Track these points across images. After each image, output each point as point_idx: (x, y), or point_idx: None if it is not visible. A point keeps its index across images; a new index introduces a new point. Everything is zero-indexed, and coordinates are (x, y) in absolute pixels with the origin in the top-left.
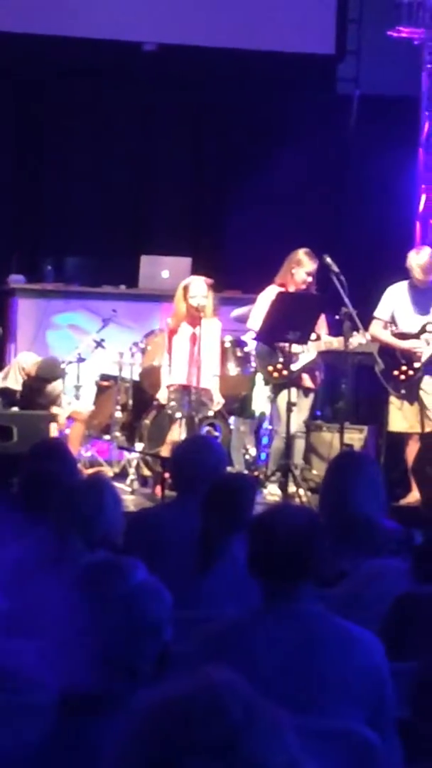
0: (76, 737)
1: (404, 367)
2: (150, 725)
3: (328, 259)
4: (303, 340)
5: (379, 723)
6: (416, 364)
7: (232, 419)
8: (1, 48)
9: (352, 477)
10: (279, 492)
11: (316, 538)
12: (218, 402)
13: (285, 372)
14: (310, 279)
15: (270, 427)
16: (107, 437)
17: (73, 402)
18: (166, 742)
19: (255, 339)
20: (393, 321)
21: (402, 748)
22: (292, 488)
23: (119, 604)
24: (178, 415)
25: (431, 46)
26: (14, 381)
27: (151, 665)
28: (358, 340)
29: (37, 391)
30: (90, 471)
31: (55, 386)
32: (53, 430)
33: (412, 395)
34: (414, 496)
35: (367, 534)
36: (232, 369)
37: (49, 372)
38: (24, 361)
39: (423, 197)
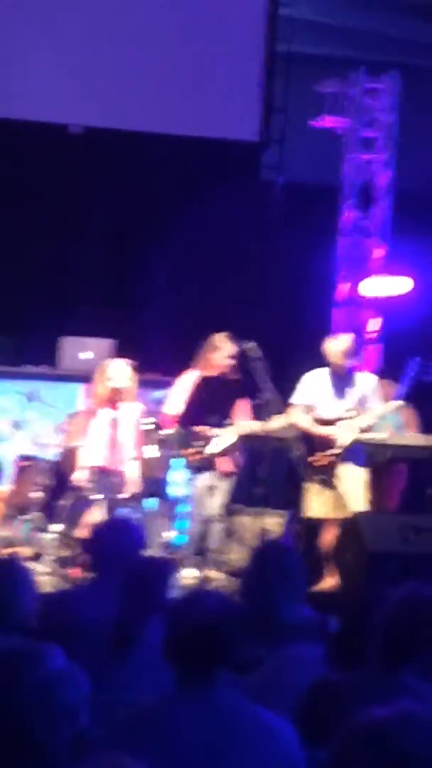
0: None
1: (322, 454)
2: None
3: (250, 344)
4: (221, 423)
5: None
6: (335, 451)
7: (149, 501)
8: None
9: (271, 568)
10: (196, 574)
11: (229, 625)
12: (136, 486)
13: (202, 455)
14: (230, 362)
15: (188, 509)
16: (26, 517)
17: None
18: None
19: (176, 422)
20: (311, 407)
21: None
22: (209, 572)
23: (34, 691)
24: (95, 497)
25: (353, 137)
26: None
27: (67, 749)
28: (277, 424)
29: None
30: (7, 551)
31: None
32: None
33: (329, 481)
34: (329, 581)
35: (284, 622)
36: (151, 451)
37: None
38: None
39: (345, 284)
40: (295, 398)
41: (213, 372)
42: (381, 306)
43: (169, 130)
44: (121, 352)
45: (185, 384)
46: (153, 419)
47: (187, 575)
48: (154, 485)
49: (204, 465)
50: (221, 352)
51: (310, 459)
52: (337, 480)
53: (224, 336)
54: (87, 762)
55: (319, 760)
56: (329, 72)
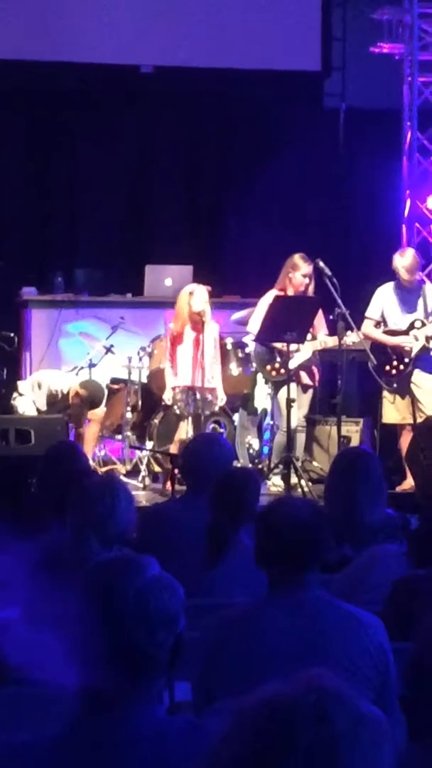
0: (98, 730)
1: (395, 363)
2: (254, 723)
3: (321, 263)
4: (299, 339)
5: (383, 701)
6: (406, 359)
7: (235, 416)
8: (9, 73)
9: (354, 473)
10: (282, 483)
11: (318, 528)
12: (221, 399)
13: (282, 370)
14: (306, 281)
15: (272, 422)
16: (119, 437)
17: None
18: (268, 741)
19: (254, 340)
20: (383, 320)
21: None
22: (294, 479)
23: (133, 599)
24: (185, 414)
25: (411, 61)
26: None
27: (168, 654)
28: (351, 338)
29: (79, 412)
30: (104, 469)
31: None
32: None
33: (403, 388)
34: (408, 483)
35: (368, 523)
36: (234, 369)
37: (98, 398)
38: (68, 384)
39: (408, 203)
40: (368, 312)
41: (291, 291)
42: None
43: (235, 65)
44: (200, 277)
45: (266, 304)
46: (233, 339)
47: (273, 484)
48: (240, 400)
49: (285, 379)
50: (299, 271)
51: (383, 369)
52: (410, 387)
53: (300, 256)
54: (284, 678)
55: (405, 652)
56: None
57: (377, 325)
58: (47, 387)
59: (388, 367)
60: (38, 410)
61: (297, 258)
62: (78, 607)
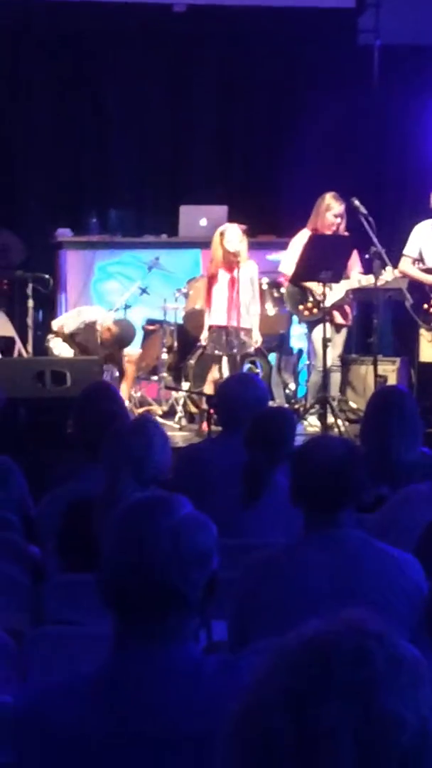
0: (132, 669)
1: None
2: (292, 661)
3: (356, 202)
4: (335, 279)
5: (419, 640)
6: None
7: (271, 356)
8: (36, 14)
9: (389, 411)
10: (318, 423)
11: (354, 467)
12: (257, 340)
13: (316, 310)
14: (338, 221)
15: (308, 362)
16: (155, 378)
17: None
18: (305, 680)
19: (289, 280)
20: (421, 257)
21: None
22: (330, 419)
23: (166, 537)
24: (219, 354)
25: None
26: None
27: (201, 593)
28: (387, 276)
29: (111, 351)
30: (140, 410)
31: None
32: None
33: None
34: None
35: (403, 461)
36: (270, 309)
37: (128, 337)
38: (103, 319)
39: None
40: (405, 249)
41: (324, 230)
42: None
43: (269, 3)
44: (235, 217)
45: (298, 243)
46: (268, 279)
47: (310, 424)
48: (275, 340)
49: (319, 319)
50: (331, 211)
51: (421, 307)
52: None
53: (332, 195)
54: (322, 618)
55: None
56: None
57: (414, 263)
58: (84, 315)
59: (425, 305)
60: (64, 334)
61: (329, 197)
62: (111, 546)
